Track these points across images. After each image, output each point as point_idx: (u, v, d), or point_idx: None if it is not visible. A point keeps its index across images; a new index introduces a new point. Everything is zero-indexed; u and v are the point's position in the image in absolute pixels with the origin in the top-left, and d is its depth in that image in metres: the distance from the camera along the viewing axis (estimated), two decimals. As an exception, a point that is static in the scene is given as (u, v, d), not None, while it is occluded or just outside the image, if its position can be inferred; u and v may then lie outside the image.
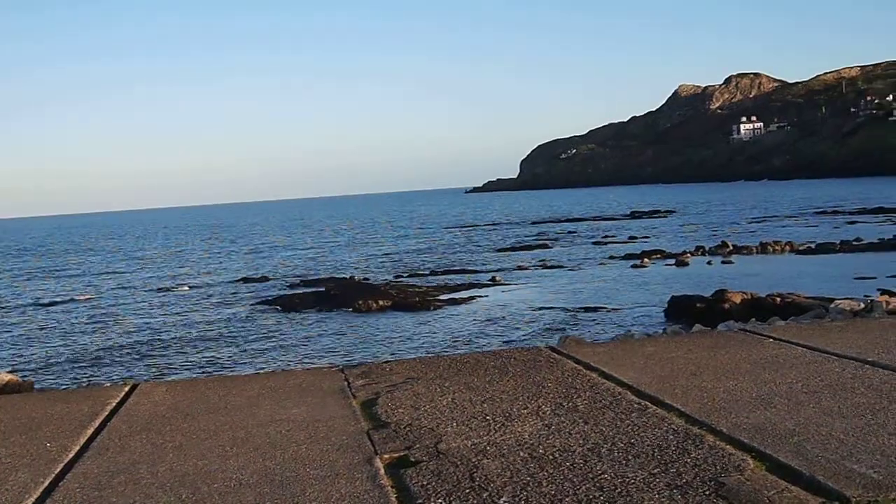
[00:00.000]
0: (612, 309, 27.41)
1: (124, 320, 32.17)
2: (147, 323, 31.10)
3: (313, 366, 17.28)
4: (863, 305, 14.28)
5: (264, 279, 44.86)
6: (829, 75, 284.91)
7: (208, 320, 30.80)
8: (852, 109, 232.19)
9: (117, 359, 24.29)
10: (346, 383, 7.07)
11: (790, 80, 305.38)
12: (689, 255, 42.44)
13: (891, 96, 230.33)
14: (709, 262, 39.45)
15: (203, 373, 21.15)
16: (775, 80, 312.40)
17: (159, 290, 43.03)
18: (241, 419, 6.07)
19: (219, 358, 23.52)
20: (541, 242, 60.63)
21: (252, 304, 34.29)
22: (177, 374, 21.39)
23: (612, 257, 45.32)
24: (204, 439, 5.58)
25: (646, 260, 41.64)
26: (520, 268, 42.99)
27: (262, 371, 18.39)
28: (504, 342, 22.52)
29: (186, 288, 43.11)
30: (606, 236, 63.05)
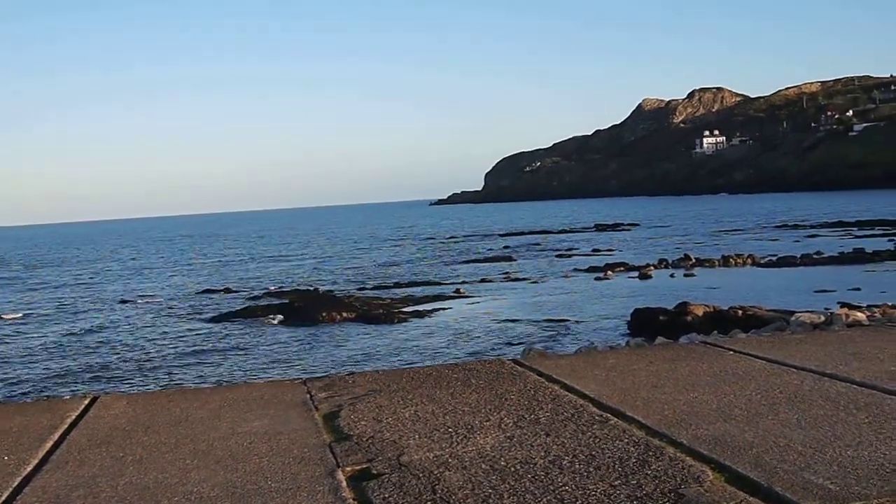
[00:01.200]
0: (576, 321, 27.53)
1: (85, 333, 31.88)
2: (108, 336, 30.86)
3: (276, 378, 17.22)
4: (823, 318, 14.44)
5: (227, 291, 44.65)
6: (790, 90, 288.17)
7: (170, 333, 30.61)
8: (813, 124, 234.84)
9: (77, 372, 24.09)
10: (308, 396, 7.05)
11: (752, 95, 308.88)
12: (652, 267, 42.73)
13: (850, 112, 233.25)
14: (672, 275, 39.73)
15: (164, 385, 21.01)
16: (738, 95, 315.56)
17: (122, 302, 42.69)
18: (203, 432, 6.03)
19: (180, 371, 23.37)
20: (505, 255, 60.76)
21: (214, 317, 34.11)
22: (138, 387, 21.22)
23: (575, 270, 45.51)
24: (165, 452, 5.54)
25: (609, 272, 41.87)
26: (484, 280, 43.08)
27: (223, 383, 18.29)
28: (468, 354, 22.55)
29: (148, 300, 42.79)
30: (570, 249, 63.30)
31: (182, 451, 5.54)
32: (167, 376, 22.64)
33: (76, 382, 22.45)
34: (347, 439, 5.57)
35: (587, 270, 44.44)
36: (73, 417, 6.71)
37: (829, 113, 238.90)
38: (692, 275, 39.55)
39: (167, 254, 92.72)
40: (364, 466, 4.96)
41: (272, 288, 44.74)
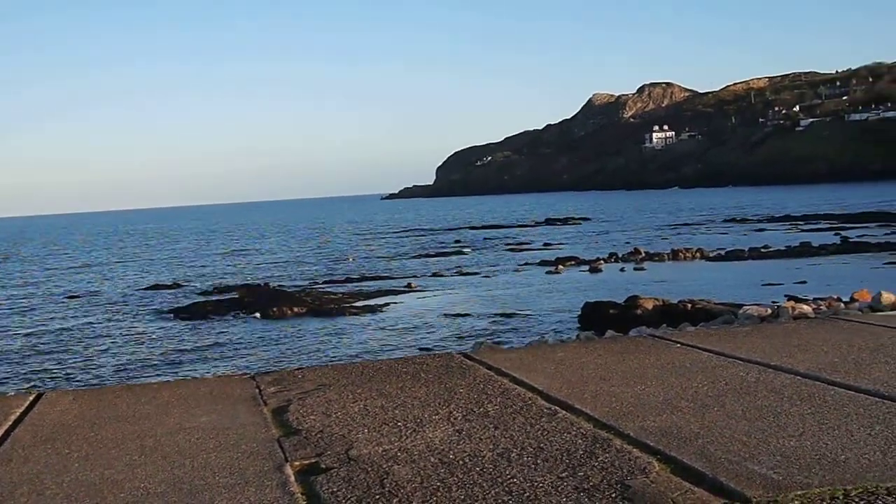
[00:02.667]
0: (527, 315, 27.64)
1: (31, 329, 31.46)
2: (54, 332, 30.46)
3: (224, 373, 17.12)
4: (770, 311, 14.59)
5: (176, 286, 44.28)
6: (738, 86, 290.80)
7: (117, 329, 30.30)
8: (760, 120, 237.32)
9: (21, 368, 23.75)
10: (257, 390, 7.02)
11: (701, 90, 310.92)
12: (602, 261, 43.03)
13: (797, 107, 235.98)
14: (622, 269, 40.02)
15: (111, 381, 20.79)
16: (687, 90, 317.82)
17: (69, 297, 42.18)
18: (150, 427, 5.99)
19: (128, 366, 23.15)
20: (456, 249, 60.88)
21: (162, 312, 33.81)
22: (84, 383, 20.99)
23: (526, 264, 45.68)
24: (111, 448, 5.49)
25: (560, 266, 42.09)
26: (435, 274, 43.13)
27: (171, 379, 18.14)
28: (419, 349, 22.56)
29: (96, 296, 42.31)
30: (521, 243, 63.51)
31: (128, 447, 5.49)
32: (114, 372, 22.41)
33: (21, 379, 22.16)
34: (296, 434, 5.56)
35: (538, 264, 44.63)
36: (18, 414, 6.63)
37: (776, 108, 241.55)
38: (642, 269, 39.86)
39: (114, 249, 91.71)
40: (313, 461, 4.95)
41: (222, 283, 44.44)
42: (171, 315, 32.72)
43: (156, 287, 44.33)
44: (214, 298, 36.38)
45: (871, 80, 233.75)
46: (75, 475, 4.96)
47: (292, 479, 4.67)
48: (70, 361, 24.40)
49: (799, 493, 4.03)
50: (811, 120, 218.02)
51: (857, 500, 3.95)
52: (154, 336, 28.02)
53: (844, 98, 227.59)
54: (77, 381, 21.43)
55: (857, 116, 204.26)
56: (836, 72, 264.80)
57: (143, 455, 5.29)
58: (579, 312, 25.90)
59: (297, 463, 4.94)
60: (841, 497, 3.98)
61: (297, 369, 8.06)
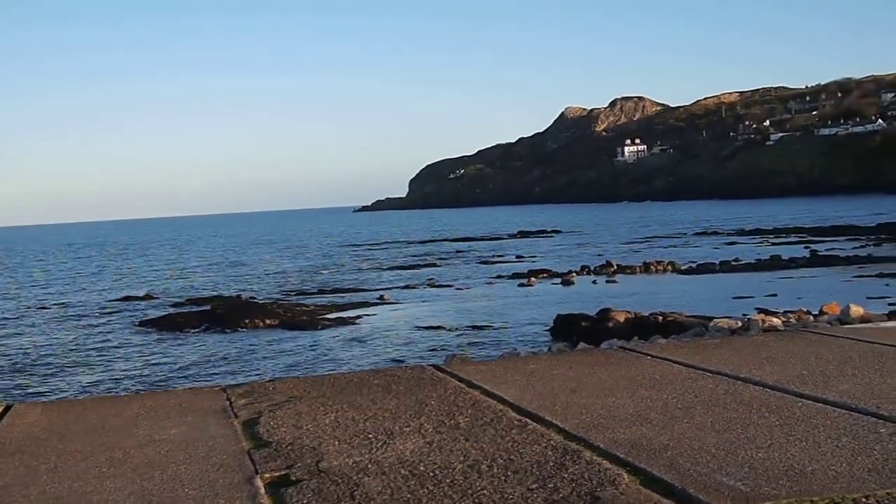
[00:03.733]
0: (499, 328, 27.66)
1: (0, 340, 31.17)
2: (24, 343, 30.21)
3: (195, 385, 17.02)
4: (740, 324, 14.65)
5: (148, 298, 44.02)
6: (709, 100, 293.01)
7: (88, 340, 30.09)
8: (731, 134, 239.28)
9: (-8, 380, 23.52)
10: (227, 403, 7.00)
11: (672, 105, 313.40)
12: (574, 274, 43.15)
13: (767, 122, 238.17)
14: (594, 282, 40.17)
15: (81, 393, 20.64)
16: (658, 104, 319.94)
17: (40, 308, 41.85)
18: (119, 440, 5.95)
19: (98, 378, 22.98)
20: (429, 262, 60.87)
21: (134, 323, 33.61)
22: (54, 395, 20.83)
23: (499, 276, 45.73)
24: (80, 461, 5.46)
25: (532, 279, 42.16)
26: (408, 287, 43.11)
27: (142, 391, 18.03)
28: (390, 361, 22.52)
29: (67, 307, 42.00)
30: (494, 255, 63.62)
31: (97, 459, 5.46)
32: (84, 384, 22.24)
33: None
34: (266, 446, 5.55)
35: (511, 277, 44.68)
36: (-15, 426, 6.57)
37: (746, 122, 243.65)
38: (614, 281, 40.03)
39: (87, 260, 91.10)
40: (283, 473, 4.94)
41: (194, 294, 44.23)
42: (143, 327, 32.52)
43: (128, 298, 44.05)
44: (186, 310, 36.17)
45: (840, 95, 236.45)
46: (43, 487, 4.92)
47: (262, 491, 4.66)
48: (39, 373, 24.19)
49: (767, 504, 4.07)
50: (781, 134, 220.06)
51: (823, 510, 3.99)
52: (125, 348, 27.84)
53: (814, 113, 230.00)
54: (46, 393, 21.26)
55: (826, 131, 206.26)
56: (806, 87, 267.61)
57: (112, 467, 5.26)
58: (551, 325, 25.96)
59: (267, 475, 4.93)
60: (808, 508, 4.01)
61: (268, 381, 8.04)
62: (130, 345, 28.44)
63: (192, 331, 30.61)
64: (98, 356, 26.61)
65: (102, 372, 23.96)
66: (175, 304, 39.96)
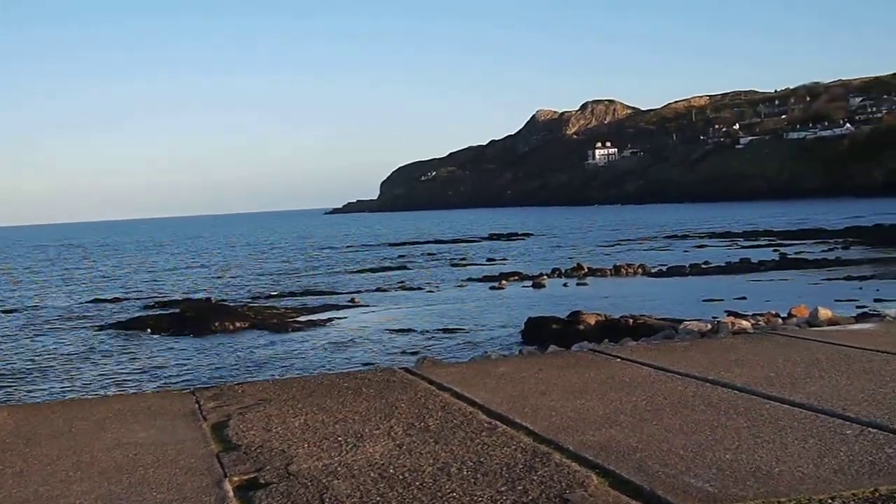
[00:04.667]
0: (471, 330, 27.67)
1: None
2: (-9, 346, 29.89)
3: (164, 388, 16.94)
4: (710, 326, 14.73)
5: (116, 300, 43.71)
6: (679, 104, 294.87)
7: (56, 343, 29.83)
8: (701, 137, 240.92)
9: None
10: (196, 406, 6.96)
11: (643, 108, 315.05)
12: (545, 277, 43.21)
13: (737, 125, 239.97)
14: (565, 284, 40.24)
15: (48, 397, 20.46)
16: (629, 108, 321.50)
17: (5, 311, 41.45)
18: (87, 443, 5.91)
19: (66, 382, 22.79)
20: (400, 264, 60.80)
21: (103, 326, 33.34)
22: (20, 399, 20.63)
23: (470, 279, 45.71)
24: (46, 464, 5.42)
25: (503, 282, 42.19)
26: (379, 289, 43.02)
27: (110, 394, 17.90)
28: (361, 364, 22.47)
29: (34, 310, 41.64)
30: (465, 258, 63.64)
31: (64, 463, 5.42)
32: (51, 387, 22.05)
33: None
34: (236, 449, 5.53)
35: (482, 280, 44.67)
36: (-49, 430, 6.51)
37: (716, 126, 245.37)
38: (585, 284, 40.13)
39: (54, 262, 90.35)
40: (252, 476, 4.93)
41: (164, 297, 43.97)
42: (112, 330, 32.26)
43: (97, 301, 43.72)
44: (156, 313, 35.93)
45: (808, 99, 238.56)
46: (9, 492, 4.88)
47: (231, 494, 4.64)
48: (5, 377, 23.96)
49: (734, 505, 4.09)
50: (750, 138, 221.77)
51: (790, 511, 4.02)
52: (93, 351, 27.61)
53: (783, 117, 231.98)
54: (12, 396, 21.06)
55: (795, 135, 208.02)
56: (775, 91, 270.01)
57: (80, 471, 5.23)
58: (522, 328, 25.97)
59: (236, 478, 4.91)
60: (775, 509, 4.04)
61: (238, 384, 8.01)
62: (99, 348, 28.22)
63: (162, 334, 30.41)
64: (65, 360, 26.38)
65: (70, 376, 23.75)
66: (145, 307, 39.71)
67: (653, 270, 44.23)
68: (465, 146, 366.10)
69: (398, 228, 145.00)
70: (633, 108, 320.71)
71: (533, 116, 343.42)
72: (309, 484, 4.70)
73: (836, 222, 76.68)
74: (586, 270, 44.96)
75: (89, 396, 17.77)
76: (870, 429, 5.27)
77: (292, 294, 42.93)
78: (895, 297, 28.44)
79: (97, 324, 34.36)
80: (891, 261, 42.55)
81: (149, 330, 31.19)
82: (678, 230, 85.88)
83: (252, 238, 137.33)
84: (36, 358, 26.84)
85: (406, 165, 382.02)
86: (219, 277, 57.52)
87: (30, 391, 21.76)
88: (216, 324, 30.59)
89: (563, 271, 45.62)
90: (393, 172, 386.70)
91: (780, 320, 15.19)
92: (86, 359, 26.22)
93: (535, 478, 4.61)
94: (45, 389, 21.89)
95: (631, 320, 23.34)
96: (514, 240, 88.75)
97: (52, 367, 25.19)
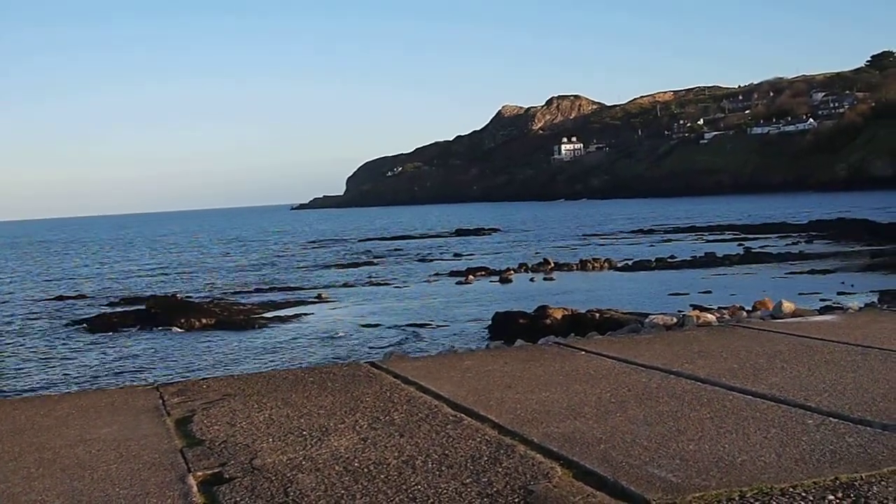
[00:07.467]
0: (438, 325, 27.71)
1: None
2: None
3: (128, 384, 16.81)
4: (675, 320, 14.80)
5: (81, 297, 43.36)
6: (644, 99, 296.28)
7: (19, 340, 29.56)
8: (666, 132, 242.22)
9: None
10: (160, 401, 6.92)
11: (608, 103, 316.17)
12: (512, 272, 43.33)
13: (701, 120, 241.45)
14: (531, 279, 40.35)
15: (10, 393, 20.27)
16: (594, 103, 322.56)
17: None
18: (49, 439, 5.86)
19: (27, 378, 22.60)
20: (367, 260, 60.74)
21: (67, 323, 33.08)
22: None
23: (437, 274, 45.77)
24: (7, 461, 5.36)
25: (470, 277, 42.28)
26: (346, 285, 42.98)
27: (73, 391, 17.76)
28: (328, 359, 22.44)
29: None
30: (432, 254, 63.66)
31: (26, 460, 5.36)
32: (14, 384, 21.85)
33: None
34: (200, 444, 5.50)
35: (449, 275, 44.75)
36: (-90, 428, 6.43)
37: (681, 121, 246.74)
38: (551, 279, 40.24)
39: (16, 259, 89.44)
40: (216, 471, 4.90)
41: (128, 294, 43.64)
42: (77, 327, 32.01)
43: (61, 298, 43.35)
44: (121, 310, 35.67)
45: (772, 94, 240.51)
46: (-31, 489, 4.83)
47: (195, 489, 4.61)
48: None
49: (697, 495, 4.12)
50: (715, 133, 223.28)
51: (752, 500, 4.05)
52: (58, 348, 27.39)
53: (747, 112, 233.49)
54: (-25, 395, 20.84)
55: (758, 130, 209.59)
56: (739, 86, 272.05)
57: (42, 468, 5.18)
58: (490, 322, 26.03)
59: (199, 473, 4.88)
60: (737, 498, 4.07)
61: (202, 380, 7.96)
62: (64, 345, 27.99)
63: (127, 330, 30.22)
64: (29, 356, 26.15)
65: (34, 372, 23.56)
66: (109, 304, 39.41)
67: (619, 265, 44.47)
68: (432, 142, 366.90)
69: (365, 224, 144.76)
70: (599, 103, 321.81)
71: (499, 112, 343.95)
72: (273, 478, 4.69)
73: (800, 216, 77.38)
74: (553, 265, 45.11)
75: (52, 393, 17.61)
76: (830, 418, 5.32)
77: (259, 290, 42.79)
78: (857, 289, 28.78)
79: (61, 321, 34.08)
80: (853, 254, 43.01)
81: (114, 327, 30.96)
82: (644, 224, 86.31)
83: (217, 234, 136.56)
84: (-2, 356, 26.56)
85: (372, 161, 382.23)
86: (184, 273, 57.18)
87: (-8, 389, 21.53)
88: (182, 320, 30.43)
89: (529, 266, 45.73)
90: (359, 168, 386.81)
91: (744, 313, 15.30)
92: (49, 356, 26.00)
93: (500, 470, 4.62)
94: (7, 387, 21.68)
95: (597, 314, 23.46)
96: (480, 235, 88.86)
97: (15, 364, 24.96)
